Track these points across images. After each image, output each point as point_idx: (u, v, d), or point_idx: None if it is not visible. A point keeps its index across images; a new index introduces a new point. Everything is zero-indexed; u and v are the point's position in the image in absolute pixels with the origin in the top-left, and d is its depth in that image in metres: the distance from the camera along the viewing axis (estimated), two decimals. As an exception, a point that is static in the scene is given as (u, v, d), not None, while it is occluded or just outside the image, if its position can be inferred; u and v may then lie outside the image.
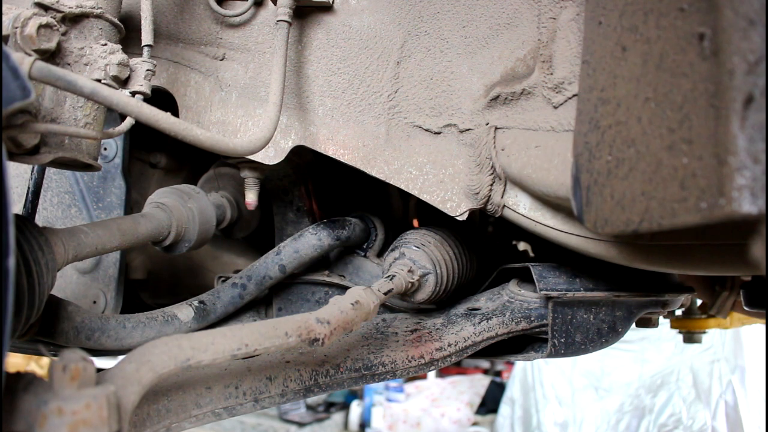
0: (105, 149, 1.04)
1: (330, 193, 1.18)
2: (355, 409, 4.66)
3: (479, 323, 0.89)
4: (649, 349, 3.19)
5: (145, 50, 0.75)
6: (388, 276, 0.86)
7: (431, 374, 4.83)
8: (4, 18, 0.63)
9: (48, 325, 0.76)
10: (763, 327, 2.29)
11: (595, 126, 0.56)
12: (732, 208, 0.36)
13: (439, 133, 0.86)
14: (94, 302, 1.04)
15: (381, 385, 4.55)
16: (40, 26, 0.64)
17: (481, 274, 1.06)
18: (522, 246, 1.44)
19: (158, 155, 1.22)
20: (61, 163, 0.71)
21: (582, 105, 0.60)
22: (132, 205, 1.11)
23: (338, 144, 0.87)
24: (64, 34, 0.68)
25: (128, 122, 0.70)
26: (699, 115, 0.40)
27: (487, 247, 1.20)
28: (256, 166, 0.95)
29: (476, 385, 4.54)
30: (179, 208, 0.90)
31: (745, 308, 1.11)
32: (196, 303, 0.92)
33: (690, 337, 1.61)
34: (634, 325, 0.91)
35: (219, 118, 0.90)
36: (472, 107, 0.84)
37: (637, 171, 0.48)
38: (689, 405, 2.91)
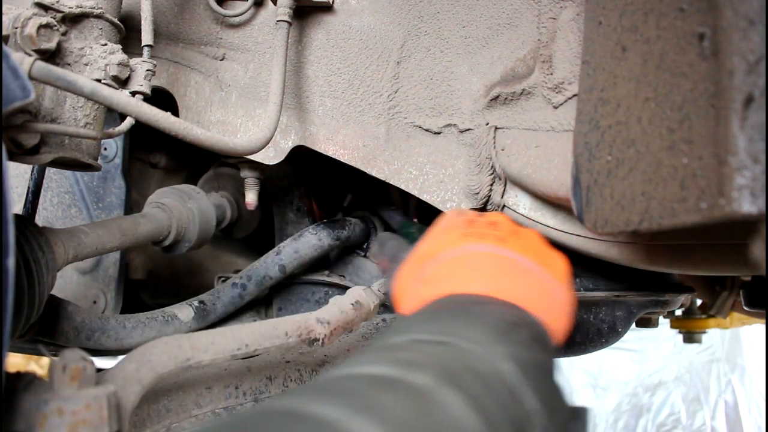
0: (105, 149, 1.04)
1: (330, 193, 1.18)
2: (355, 409, 4.64)
3: (479, 323, 0.89)
4: (647, 348, 3.19)
5: (145, 50, 0.75)
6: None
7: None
8: (4, 18, 0.63)
9: (48, 325, 0.76)
10: (763, 327, 2.29)
11: (595, 126, 0.56)
12: (732, 208, 0.36)
13: (439, 133, 0.86)
14: (94, 302, 1.04)
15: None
16: (40, 26, 0.64)
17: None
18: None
19: (158, 155, 1.22)
20: (61, 163, 0.71)
21: (582, 105, 0.60)
22: (132, 205, 1.11)
23: (338, 144, 0.87)
24: (64, 34, 0.68)
25: (128, 122, 0.70)
26: (699, 115, 0.40)
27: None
28: (256, 166, 0.96)
29: (476, 385, 4.53)
30: (179, 208, 0.90)
31: (745, 308, 1.11)
32: (196, 303, 0.92)
33: (690, 337, 1.61)
34: (633, 324, 0.91)
35: (219, 118, 0.90)
36: (472, 107, 0.84)
37: (637, 171, 0.48)
38: (688, 404, 2.91)
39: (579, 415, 0.53)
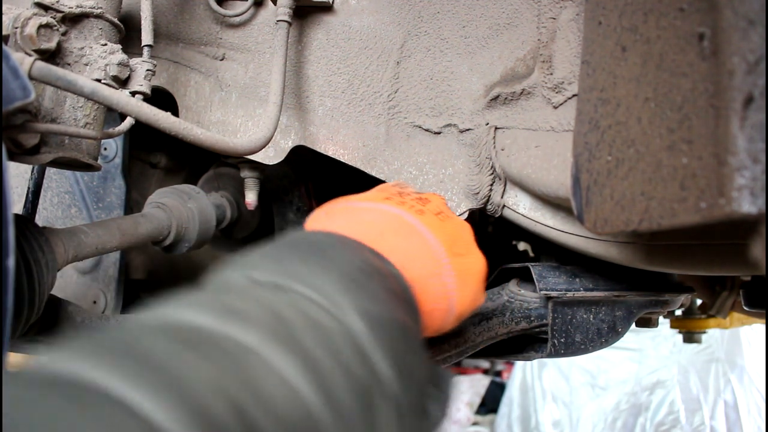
0: (105, 149, 1.04)
1: (330, 194, 1.18)
2: (355, 409, 4.63)
3: (479, 323, 0.89)
4: (646, 347, 3.20)
5: (145, 50, 0.75)
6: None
7: (431, 374, 4.81)
8: (4, 18, 0.63)
9: (48, 325, 0.76)
10: (763, 327, 2.29)
11: (595, 126, 0.56)
12: (732, 208, 0.36)
13: (439, 133, 0.86)
14: (94, 302, 1.04)
15: (380, 385, 4.53)
16: (40, 26, 0.64)
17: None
18: (522, 246, 1.44)
19: (158, 155, 1.22)
20: (61, 163, 0.71)
21: (582, 105, 0.60)
22: (132, 205, 1.11)
23: (338, 144, 0.87)
24: (64, 34, 0.68)
25: (128, 122, 0.70)
26: (699, 115, 0.40)
27: (487, 247, 1.20)
28: (256, 166, 0.96)
29: (476, 385, 4.53)
30: (179, 208, 0.90)
31: (745, 308, 1.11)
32: (196, 303, 0.92)
33: (690, 337, 1.61)
34: (633, 324, 0.91)
35: (219, 118, 0.90)
36: (472, 107, 0.84)
37: (636, 171, 0.48)
38: (687, 404, 2.91)
39: (440, 381, 0.47)
